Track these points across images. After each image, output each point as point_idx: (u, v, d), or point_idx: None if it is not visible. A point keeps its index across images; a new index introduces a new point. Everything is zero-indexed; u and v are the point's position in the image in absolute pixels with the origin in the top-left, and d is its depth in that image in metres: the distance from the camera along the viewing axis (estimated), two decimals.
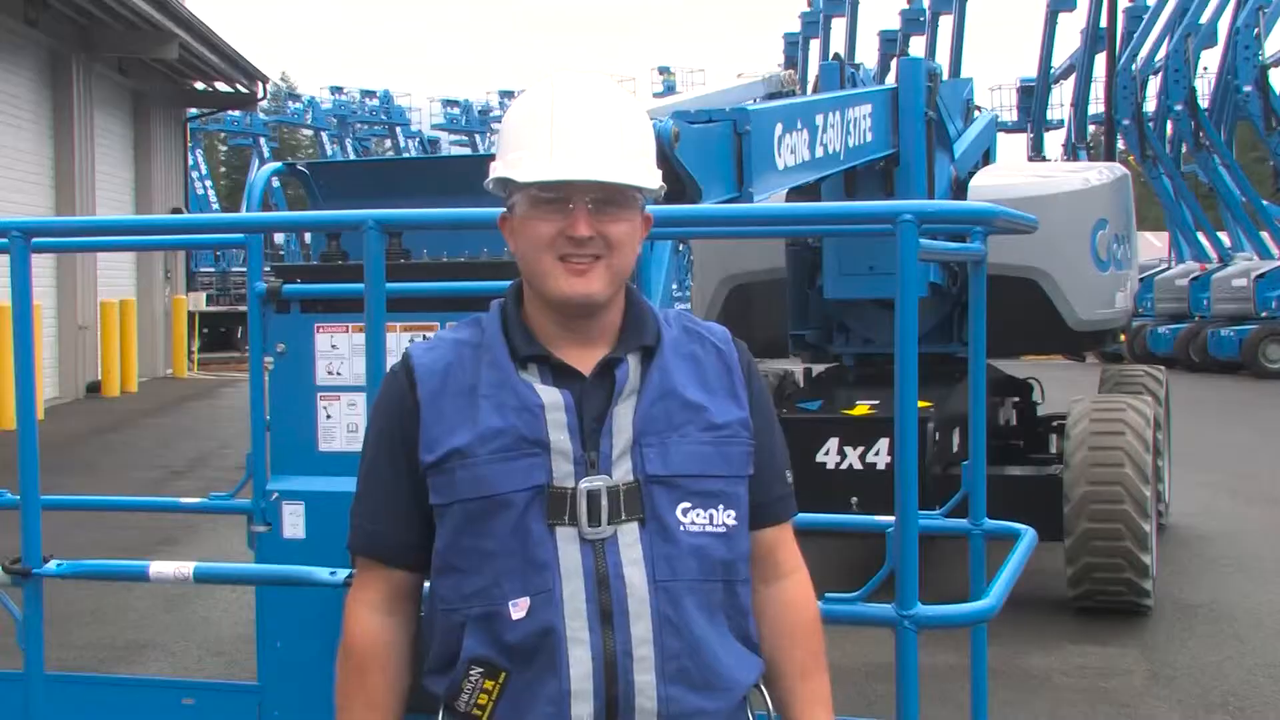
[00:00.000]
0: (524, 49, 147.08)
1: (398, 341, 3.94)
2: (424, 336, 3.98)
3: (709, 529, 2.16)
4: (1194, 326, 26.60)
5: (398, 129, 50.48)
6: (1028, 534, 3.42)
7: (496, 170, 2.23)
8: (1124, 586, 7.35)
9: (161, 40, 20.40)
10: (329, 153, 48.38)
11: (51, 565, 3.30)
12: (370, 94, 50.63)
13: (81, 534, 8.57)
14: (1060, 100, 38.20)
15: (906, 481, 2.68)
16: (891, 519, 2.75)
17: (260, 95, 27.56)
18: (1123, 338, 12.29)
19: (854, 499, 7.38)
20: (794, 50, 38.10)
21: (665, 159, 4.70)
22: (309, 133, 54.86)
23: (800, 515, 5.13)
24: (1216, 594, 8.17)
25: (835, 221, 3.83)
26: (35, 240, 3.32)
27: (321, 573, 3.21)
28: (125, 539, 9.48)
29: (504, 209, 2.27)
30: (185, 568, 3.19)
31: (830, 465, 7.65)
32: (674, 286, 5.18)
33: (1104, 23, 28.80)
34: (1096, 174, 9.27)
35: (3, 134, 17.44)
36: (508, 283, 3.84)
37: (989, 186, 8.55)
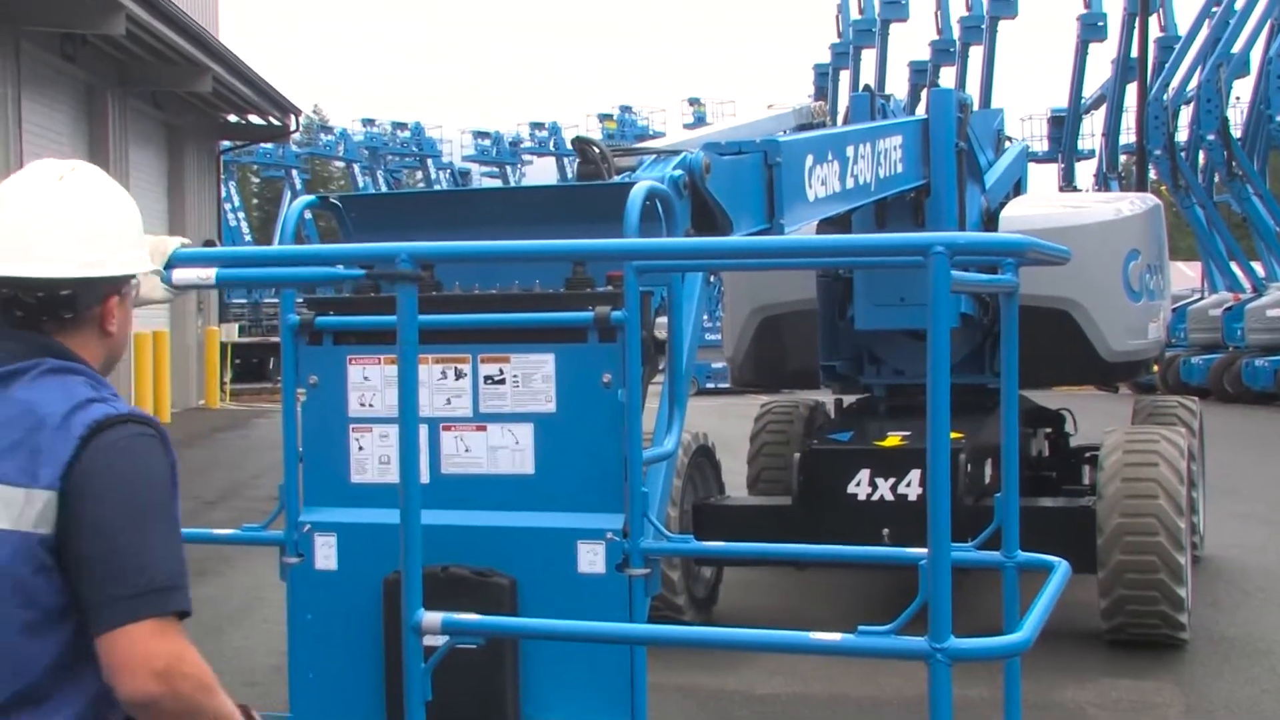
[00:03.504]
0: (555, 81, 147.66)
1: (429, 374, 3.96)
2: (455, 369, 4.00)
3: None
4: (1228, 357, 26.41)
5: (429, 161, 50.78)
6: (1061, 567, 3.41)
7: (145, 266, 2.61)
8: (1159, 619, 7.29)
9: (195, 74, 20.58)
10: (360, 184, 48.70)
11: None
12: (402, 126, 50.98)
13: None
14: (1091, 130, 38.15)
15: (939, 514, 2.67)
16: (924, 551, 2.74)
17: (293, 128, 27.75)
18: (1156, 368, 12.23)
19: (885, 530, 7.34)
20: (824, 81, 38.19)
21: (697, 190, 4.74)
22: (341, 164, 55.24)
23: (832, 547, 5.11)
24: (1252, 626, 8.09)
25: (867, 254, 3.83)
26: None
27: None
28: None
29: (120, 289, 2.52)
30: (207, 273, 3.18)
31: (861, 496, 7.62)
32: (704, 317, 5.20)
33: (1135, 53, 28.77)
34: (1128, 204, 9.24)
35: None
36: (538, 315, 3.88)
37: (1020, 217, 8.53)
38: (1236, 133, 29.07)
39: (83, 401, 2.30)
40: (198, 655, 2.26)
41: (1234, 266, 29.38)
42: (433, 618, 2.94)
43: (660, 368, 4.43)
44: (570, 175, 43.77)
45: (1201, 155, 29.20)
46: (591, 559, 3.90)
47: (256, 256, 3.35)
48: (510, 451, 4.00)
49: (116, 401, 2.35)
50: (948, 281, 2.63)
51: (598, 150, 4.87)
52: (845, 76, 36.95)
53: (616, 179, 4.74)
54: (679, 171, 4.63)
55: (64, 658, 2.24)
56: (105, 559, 2.21)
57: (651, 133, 47.80)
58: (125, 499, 2.24)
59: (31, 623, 2.21)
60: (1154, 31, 31.09)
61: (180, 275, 3.12)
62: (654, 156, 4.99)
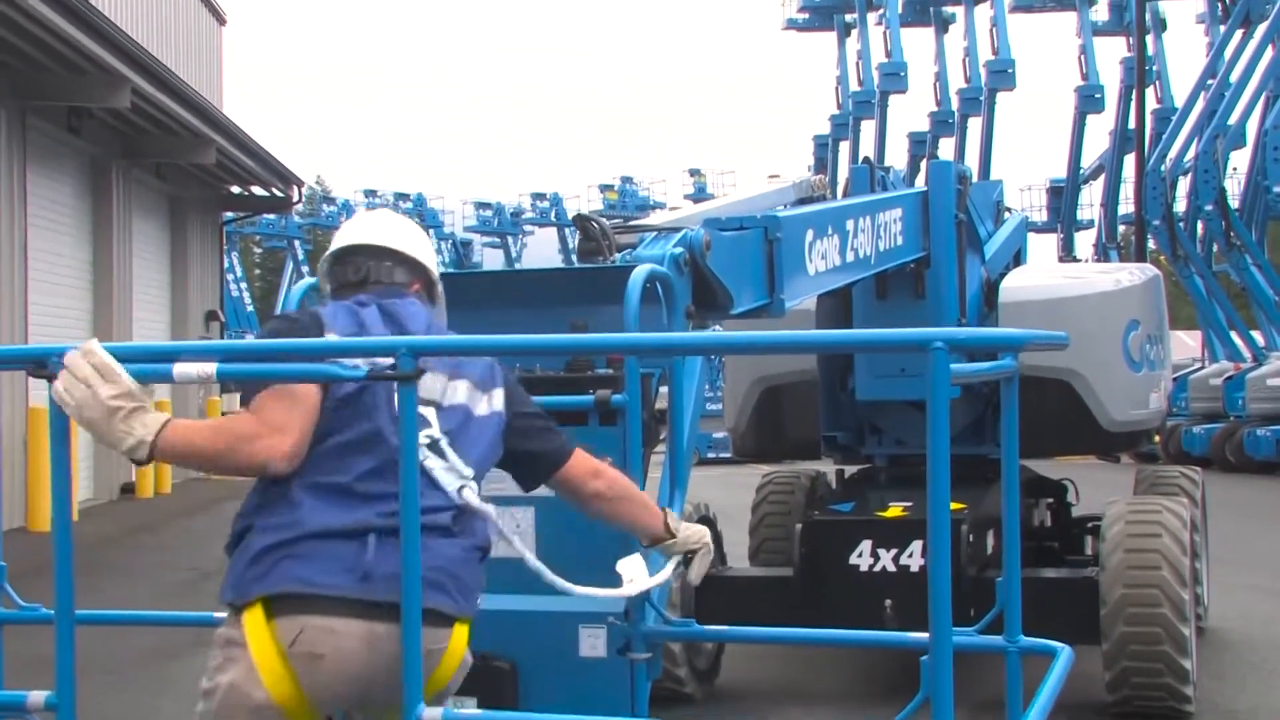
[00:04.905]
0: (556, 152, 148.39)
1: None
2: None
3: None
4: (1229, 426, 26.32)
5: (431, 231, 50.95)
6: (1064, 653, 3.38)
7: (435, 271, 3.72)
8: (1164, 692, 7.23)
9: (199, 146, 20.66)
10: None
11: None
12: (404, 197, 51.25)
13: (114, 635, 8.55)
14: (1090, 200, 38.40)
15: (940, 599, 2.64)
16: (926, 636, 2.73)
17: (295, 199, 27.79)
18: (1157, 438, 12.21)
19: (888, 602, 7.31)
20: (824, 152, 38.50)
21: (697, 267, 4.75)
22: None
23: (835, 631, 5.11)
24: (1259, 699, 8.03)
25: (868, 348, 3.84)
26: None
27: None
28: (156, 639, 9.44)
29: None
30: (209, 367, 3.18)
31: (863, 568, 7.59)
32: (705, 387, 5.20)
33: (1133, 124, 28.96)
34: (1128, 275, 9.25)
35: (45, 239, 17.60)
36: (539, 399, 3.89)
37: (1020, 288, 8.55)
38: (1234, 203, 29.17)
39: None
40: None
41: (1234, 336, 29.38)
42: (433, 712, 2.92)
43: (661, 438, 4.43)
44: (571, 246, 43.90)
45: (1200, 225, 29.26)
46: (593, 643, 3.88)
47: (257, 350, 3.35)
48: (512, 535, 3.99)
49: None
50: (947, 376, 2.64)
51: (599, 227, 4.90)
52: (845, 147, 37.22)
53: (617, 256, 4.77)
54: (679, 249, 4.66)
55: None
56: (537, 415, 3.60)
57: (652, 203, 48.04)
58: (524, 392, 3.64)
59: (494, 458, 3.47)
60: (1151, 103, 31.35)
61: (181, 370, 3.14)
62: (654, 233, 5.01)
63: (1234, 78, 28.84)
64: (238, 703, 3.00)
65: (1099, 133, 36.22)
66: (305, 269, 46.72)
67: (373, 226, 3.63)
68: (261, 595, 3.05)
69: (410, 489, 2.93)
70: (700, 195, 46.22)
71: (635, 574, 3.65)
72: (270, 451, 3.07)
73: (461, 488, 3.23)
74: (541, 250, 50.41)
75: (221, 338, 26.13)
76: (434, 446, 3.23)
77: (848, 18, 38.57)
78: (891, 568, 7.55)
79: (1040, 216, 38.73)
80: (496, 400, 3.47)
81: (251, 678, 2.98)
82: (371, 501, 3.08)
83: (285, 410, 3.10)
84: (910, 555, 7.55)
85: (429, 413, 3.25)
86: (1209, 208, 28.24)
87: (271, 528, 3.10)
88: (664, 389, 4.38)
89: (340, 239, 3.62)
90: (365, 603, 2.99)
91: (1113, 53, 36.10)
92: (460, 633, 3.22)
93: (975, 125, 34.82)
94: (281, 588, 3.03)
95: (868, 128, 36.42)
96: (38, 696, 3.23)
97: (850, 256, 6.37)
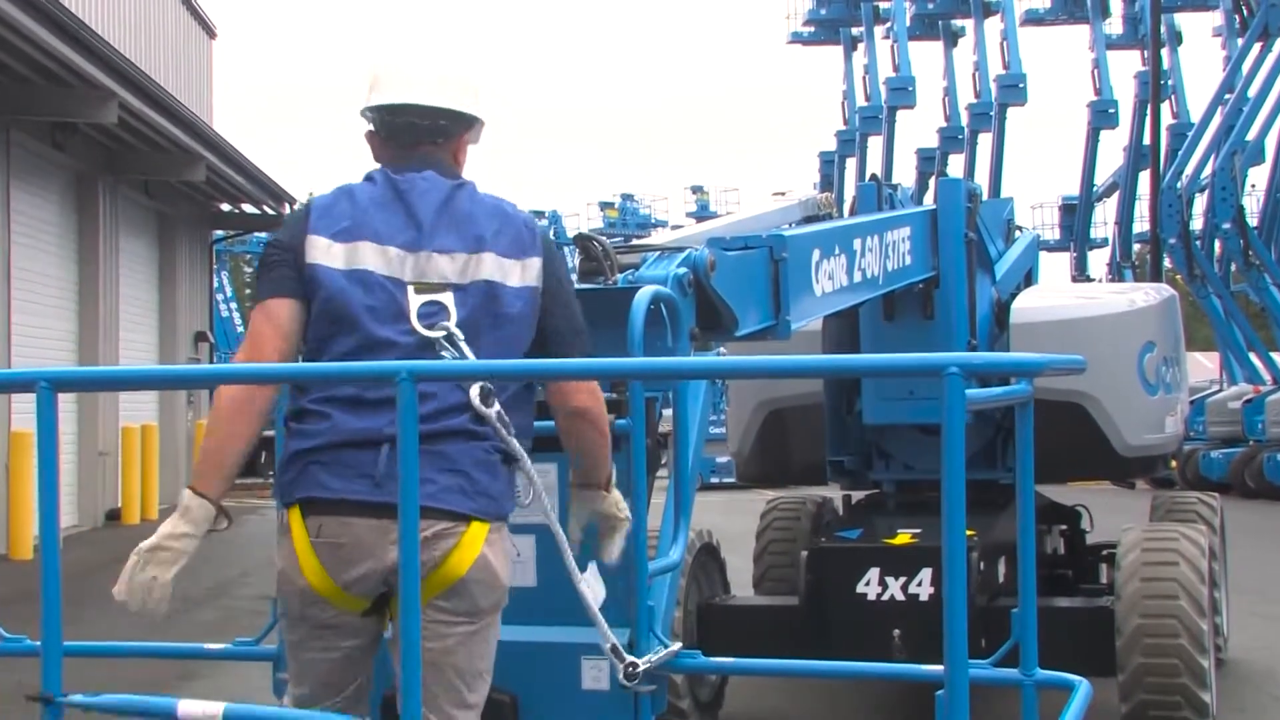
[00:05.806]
0: (555, 169, 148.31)
1: None
2: None
3: None
4: (1249, 451, 26.02)
5: None
6: (1082, 687, 3.27)
7: (487, 115, 3.78)
8: None
9: (188, 162, 20.42)
10: None
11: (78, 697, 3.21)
12: None
13: (99, 665, 8.38)
14: (1104, 218, 38.27)
15: (956, 634, 2.51)
16: (939, 669, 2.62)
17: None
18: (1174, 463, 12.07)
19: (896, 631, 7.17)
20: (830, 169, 38.38)
21: (701, 288, 4.67)
22: None
23: (845, 663, 5.02)
24: None
25: (882, 373, 3.75)
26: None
27: None
28: (145, 671, 9.27)
29: None
30: (214, 708, 3.10)
31: (871, 596, 7.45)
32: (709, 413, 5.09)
33: (1147, 140, 28.81)
34: (1143, 295, 9.12)
35: (29, 258, 17.30)
36: (541, 423, 3.75)
37: (1032, 309, 8.42)
38: (1253, 221, 28.97)
39: (514, 205, 3.64)
40: None
41: (1253, 358, 29.11)
42: None
43: (663, 462, 4.33)
44: (571, 266, 43.87)
45: (1217, 244, 29.06)
46: (595, 675, 3.82)
47: (246, 374, 3.34)
48: (511, 564, 3.89)
49: None
50: (963, 402, 2.57)
51: (600, 247, 4.81)
52: (851, 164, 37.17)
53: (620, 277, 4.69)
54: (684, 269, 4.64)
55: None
56: (567, 308, 3.58)
57: (654, 221, 47.97)
58: (566, 273, 3.65)
59: (527, 337, 3.51)
60: (1166, 118, 31.20)
61: (186, 710, 3.12)
62: (657, 253, 4.92)
63: (1252, 92, 28.66)
64: (288, 586, 3.45)
65: (1113, 149, 36.14)
66: None
67: (423, 84, 3.57)
68: (296, 499, 3.42)
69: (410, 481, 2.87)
70: (703, 213, 46.17)
71: (595, 587, 3.67)
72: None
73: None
74: None
75: (211, 359, 25.90)
76: (450, 340, 3.37)
77: (854, 31, 38.56)
78: (900, 596, 7.41)
79: (1052, 235, 38.57)
80: (531, 271, 3.51)
81: (294, 565, 3.41)
82: (381, 409, 3.27)
83: (265, 333, 3.45)
84: (919, 584, 7.40)
85: (446, 299, 3.40)
86: (1226, 225, 28.02)
87: (301, 434, 3.43)
88: (667, 412, 4.30)
89: (387, 88, 3.58)
90: (376, 504, 3.27)
91: (1127, 66, 36.01)
92: (477, 529, 3.35)
93: (985, 141, 34.71)
94: (308, 493, 3.38)
95: (875, 144, 36.35)
96: None
97: (858, 277, 6.28)
